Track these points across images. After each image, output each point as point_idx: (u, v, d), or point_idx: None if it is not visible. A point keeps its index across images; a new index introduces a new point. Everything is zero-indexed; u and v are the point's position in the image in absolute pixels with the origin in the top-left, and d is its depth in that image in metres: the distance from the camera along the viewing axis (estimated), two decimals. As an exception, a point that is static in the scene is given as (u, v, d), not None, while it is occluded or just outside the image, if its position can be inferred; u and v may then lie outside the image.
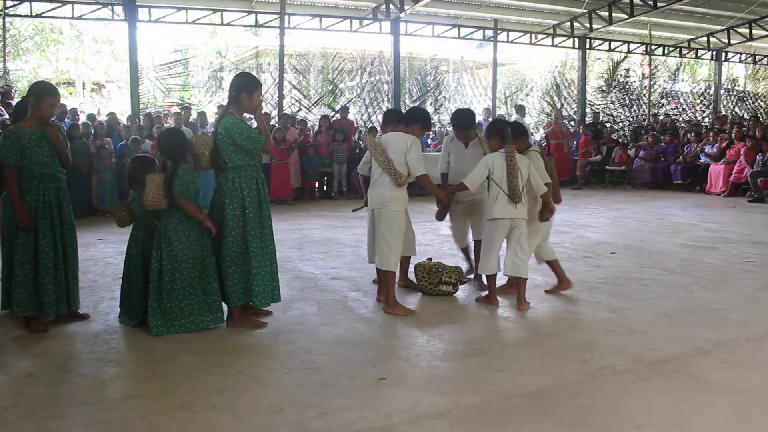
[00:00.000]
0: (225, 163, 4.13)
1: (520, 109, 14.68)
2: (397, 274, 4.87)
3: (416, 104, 16.61)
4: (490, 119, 14.88)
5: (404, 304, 4.73)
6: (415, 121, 4.73)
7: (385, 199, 4.55)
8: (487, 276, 4.81)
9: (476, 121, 5.20)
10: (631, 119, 18.19)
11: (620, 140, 15.73)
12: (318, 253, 6.75)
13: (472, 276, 5.38)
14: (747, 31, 17.23)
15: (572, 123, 15.14)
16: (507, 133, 4.69)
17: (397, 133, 4.66)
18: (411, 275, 5.20)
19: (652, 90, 18.18)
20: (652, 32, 17.09)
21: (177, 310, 4.05)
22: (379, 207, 4.59)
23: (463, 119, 5.21)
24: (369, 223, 4.81)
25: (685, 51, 18.81)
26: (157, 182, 4.06)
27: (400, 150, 4.50)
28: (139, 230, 4.32)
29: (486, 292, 4.91)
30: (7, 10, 12.35)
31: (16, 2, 12.16)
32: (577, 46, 17.10)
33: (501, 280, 4.88)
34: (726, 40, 18.00)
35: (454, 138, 5.29)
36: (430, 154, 10.47)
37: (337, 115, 13.36)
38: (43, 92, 4.08)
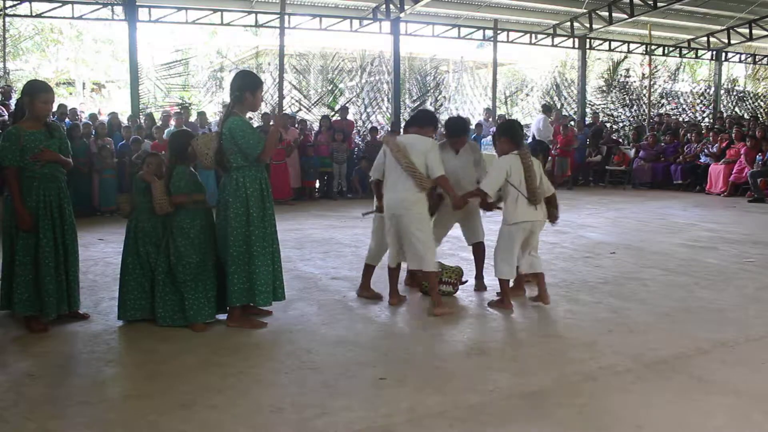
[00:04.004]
0: (229, 163, 4.13)
1: (547, 109, 14.17)
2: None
3: (416, 104, 16.60)
4: (491, 119, 14.89)
5: (404, 303, 4.75)
6: (430, 123, 4.76)
7: (409, 203, 4.48)
8: (500, 280, 4.64)
9: (470, 126, 5.14)
10: (631, 119, 18.19)
11: (620, 140, 15.75)
12: (318, 253, 6.75)
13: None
14: (747, 31, 17.23)
15: (572, 123, 15.12)
16: (520, 135, 4.62)
17: (415, 136, 4.62)
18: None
19: (652, 90, 18.18)
20: (652, 32, 17.08)
21: (180, 304, 4.16)
22: (404, 211, 4.49)
23: (456, 126, 5.16)
24: (387, 227, 4.65)
25: (685, 51, 18.81)
26: (160, 188, 4.22)
27: (421, 152, 4.46)
28: (132, 221, 4.37)
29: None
30: (7, 10, 12.34)
31: (16, 2, 12.15)
32: (577, 46, 17.10)
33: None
34: (726, 40, 18.00)
35: (445, 144, 5.24)
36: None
37: (337, 116, 13.36)
38: (35, 90, 4.09)
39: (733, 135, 12.81)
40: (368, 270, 4.98)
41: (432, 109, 16.82)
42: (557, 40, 16.92)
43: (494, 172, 4.55)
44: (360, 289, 5.00)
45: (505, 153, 4.58)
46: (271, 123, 4.47)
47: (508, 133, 4.63)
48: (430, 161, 4.47)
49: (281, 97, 14.07)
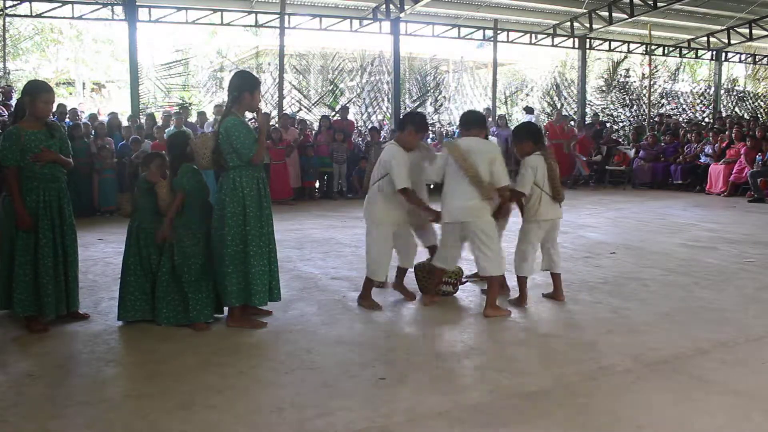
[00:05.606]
0: (227, 162, 4.13)
1: (530, 111, 14.42)
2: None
3: (416, 104, 16.62)
4: (491, 119, 14.88)
5: (403, 305, 4.74)
6: (476, 125, 4.67)
7: (476, 210, 4.41)
8: (519, 277, 4.77)
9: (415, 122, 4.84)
10: (631, 119, 18.20)
11: (620, 140, 15.75)
12: (318, 253, 6.75)
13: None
14: (747, 31, 17.24)
15: (572, 123, 15.13)
16: (541, 136, 4.83)
17: (477, 139, 4.56)
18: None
19: (652, 90, 18.18)
20: (652, 32, 17.09)
21: (182, 303, 4.18)
22: (471, 219, 4.42)
23: (401, 120, 4.87)
24: (446, 234, 4.60)
25: (685, 51, 18.81)
26: (165, 188, 4.22)
27: (486, 159, 4.38)
28: (133, 222, 4.37)
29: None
30: (7, 10, 12.35)
31: (16, 2, 12.16)
32: (577, 46, 17.11)
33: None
34: (726, 40, 18.01)
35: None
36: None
37: (337, 116, 13.37)
38: (36, 90, 4.08)
39: (733, 135, 12.81)
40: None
41: (432, 109, 16.85)
42: (557, 40, 16.92)
43: (525, 172, 4.67)
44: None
45: (528, 154, 4.69)
46: (254, 121, 4.42)
47: (530, 135, 4.78)
48: (495, 169, 4.40)
49: (281, 97, 14.10)
